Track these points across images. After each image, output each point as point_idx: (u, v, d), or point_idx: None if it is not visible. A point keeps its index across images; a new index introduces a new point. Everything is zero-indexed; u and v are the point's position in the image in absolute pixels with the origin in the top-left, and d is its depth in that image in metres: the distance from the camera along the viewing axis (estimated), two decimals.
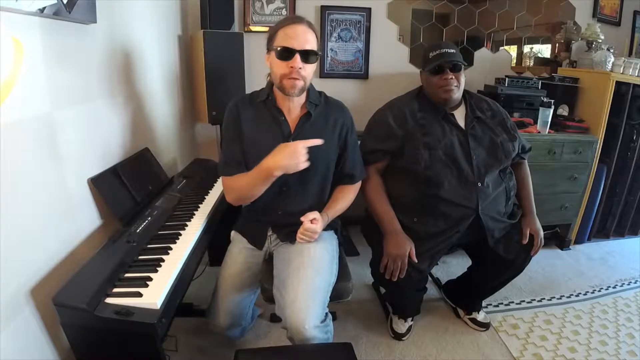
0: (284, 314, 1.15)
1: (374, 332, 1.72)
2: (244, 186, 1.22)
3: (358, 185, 1.42)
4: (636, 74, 2.24)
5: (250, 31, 2.35)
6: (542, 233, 1.50)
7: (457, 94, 1.48)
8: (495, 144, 1.48)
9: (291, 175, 1.21)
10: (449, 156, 1.44)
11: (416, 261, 1.40)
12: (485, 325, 1.74)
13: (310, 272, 1.21)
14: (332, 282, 1.28)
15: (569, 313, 1.88)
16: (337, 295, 1.33)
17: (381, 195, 1.50)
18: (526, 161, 1.65)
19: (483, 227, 1.46)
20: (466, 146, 1.46)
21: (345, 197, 1.37)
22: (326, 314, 1.19)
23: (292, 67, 1.16)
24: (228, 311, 1.37)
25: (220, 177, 1.32)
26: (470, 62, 2.64)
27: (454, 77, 1.44)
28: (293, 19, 1.20)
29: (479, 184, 1.44)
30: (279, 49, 1.16)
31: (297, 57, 1.16)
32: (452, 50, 1.45)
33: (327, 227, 1.35)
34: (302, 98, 1.28)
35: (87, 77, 1.24)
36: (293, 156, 1.12)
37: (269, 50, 1.22)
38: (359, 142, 1.45)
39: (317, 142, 1.17)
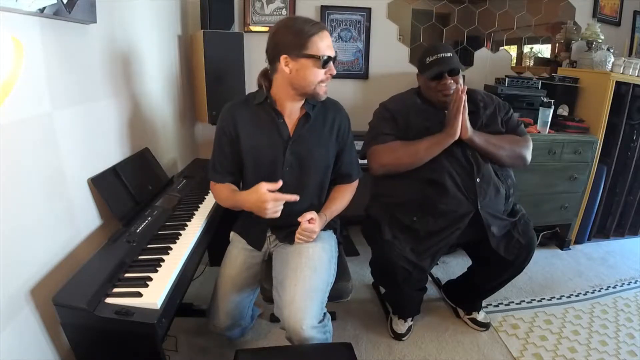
0: (282, 314, 1.15)
1: (374, 332, 1.72)
2: (224, 199, 1.32)
3: (355, 184, 1.42)
4: (636, 74, 2.24)
5: (250, 31, 2.35)
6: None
7: None
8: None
9: (290, 177, 1.23)
10: (447, 153, 1.44)
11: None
12: (485, 325, 1.74)
13: (308, 273, 1.21)
14: (331, 282, 1.28)
15: (569, 313, 1.88)
16: (337, 295, 1.33)
17: (404, 145, 1.47)
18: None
19: (483, 225, 1.46)
20: (464, 142, 1.46)
21: (342, 197, 1.37)
22: (324, 314, 1.19)
23: (330, 74, 1.20)
24: (228, 312, 1.37)
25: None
26: (470, 62, 2.63)
27: (452, 81, 1.44)
28: (320, 25, 1.19)
29: (478, 180, 1.44)
30: (324, 57, 1.16)
31: (331, 63, 1.20)
32: (449, 54, 1.45)
33: (326, 227, 1.35)
34: (302, 99, 1.27)
35: (87, 77, 1.24)
36: (260, 207, 1.14)
37: (298, 56, 1.15)
38: (355, 141, 1.43)
39: (293, 197, 1.17)
